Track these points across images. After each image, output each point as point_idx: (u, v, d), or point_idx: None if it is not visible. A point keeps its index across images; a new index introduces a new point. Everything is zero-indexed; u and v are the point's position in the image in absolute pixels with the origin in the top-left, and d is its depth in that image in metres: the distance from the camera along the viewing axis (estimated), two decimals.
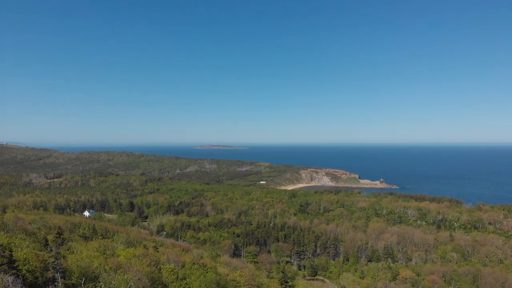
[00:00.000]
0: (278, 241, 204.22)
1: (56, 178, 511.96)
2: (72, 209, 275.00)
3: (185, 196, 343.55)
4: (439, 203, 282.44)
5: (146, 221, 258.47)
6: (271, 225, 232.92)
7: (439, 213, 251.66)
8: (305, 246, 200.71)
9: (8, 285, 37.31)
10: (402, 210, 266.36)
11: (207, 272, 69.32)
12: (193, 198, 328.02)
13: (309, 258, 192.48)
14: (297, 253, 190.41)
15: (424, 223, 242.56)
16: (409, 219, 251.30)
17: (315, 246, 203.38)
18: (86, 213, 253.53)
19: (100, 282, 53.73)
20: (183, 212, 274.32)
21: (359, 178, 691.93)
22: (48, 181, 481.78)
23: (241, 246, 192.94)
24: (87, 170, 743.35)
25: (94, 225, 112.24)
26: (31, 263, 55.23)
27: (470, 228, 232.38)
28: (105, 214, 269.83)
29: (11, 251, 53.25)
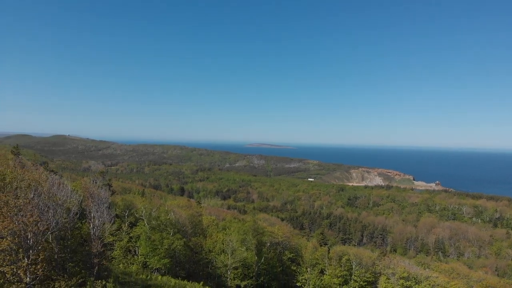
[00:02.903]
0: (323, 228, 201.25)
1: (113, 166, 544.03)
2: None
3: (233, 184, 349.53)
4: (497, 201, 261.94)
5: None
6: (316, 214, 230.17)
7: (497, 211, 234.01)
8: (351, 235, 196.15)
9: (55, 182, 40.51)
10: (457, 207, 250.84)
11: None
12: (240, 187, 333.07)
13: (355, 246, 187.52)
14: (342, 240, 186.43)
15: (479, 220, 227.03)
16: (464, 216, 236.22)
17: (362, 235, 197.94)
18: None
19: (142, 209, 56.56)
20: (230, 198, 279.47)
21: (414, 179, 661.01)
22: (106, 168, 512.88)
23: None
24: (143, 161, 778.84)
25: (143, 189, 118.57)
26: (78, 192, 59.38)
27: None
28: None
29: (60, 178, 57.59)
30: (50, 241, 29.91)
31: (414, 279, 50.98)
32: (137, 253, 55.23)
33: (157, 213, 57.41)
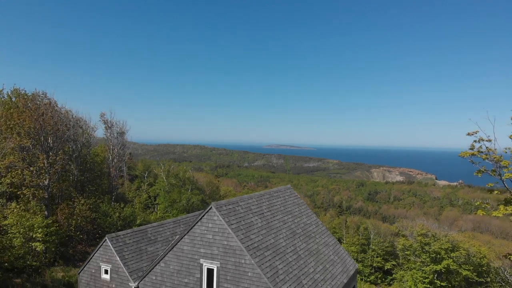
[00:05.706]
0: None
1: None
2: None
3: (251, 180, 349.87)
4: None
5: None
6: (335, 206, 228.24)
7: None
8: None
9: None
10: (480, 200, 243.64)
11: None
12: (258, 182, 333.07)
13: None
14: None
15: None
16: (488, 210, 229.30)
17: None
18: None
19: (161, 165, 57.77)
20: None
21: (436, 178, 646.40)
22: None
23: None
24: (163, 159, 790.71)
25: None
26: (100, 154, 61.13)
27: None
28: None
29: None
30: (70, 163, 31.06)
31: (433, 236, 50.08)
32: (155, 210, 56.35)
33: (176, 171, 58.50)
